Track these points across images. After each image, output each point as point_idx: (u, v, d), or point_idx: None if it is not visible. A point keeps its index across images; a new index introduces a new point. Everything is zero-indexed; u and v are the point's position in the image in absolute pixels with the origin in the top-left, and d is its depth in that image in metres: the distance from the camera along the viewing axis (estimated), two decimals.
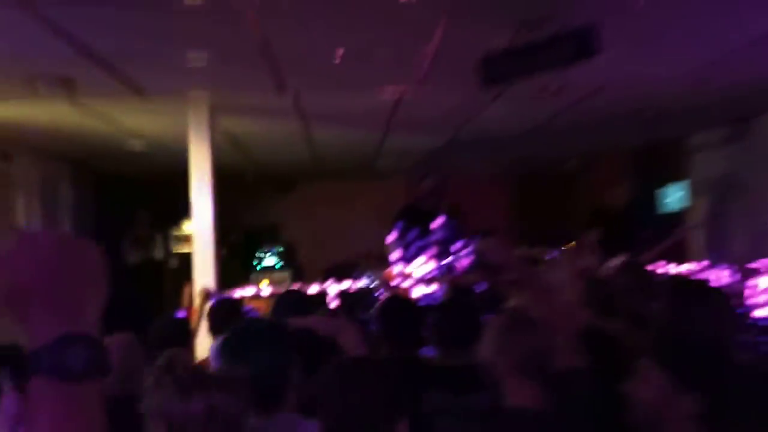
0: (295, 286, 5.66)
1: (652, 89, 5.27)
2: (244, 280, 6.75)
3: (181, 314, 4.73)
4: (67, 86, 3.95)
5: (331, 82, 4.57)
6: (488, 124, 6.46)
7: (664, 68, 4.56)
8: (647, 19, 3.42)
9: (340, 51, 3.79)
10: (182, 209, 8.35)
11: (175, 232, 8.42)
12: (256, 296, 5.49)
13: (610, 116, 6.30)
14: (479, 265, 4.40)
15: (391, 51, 3.89)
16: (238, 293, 5.28)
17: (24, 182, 6.31)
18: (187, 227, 8.26)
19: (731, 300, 3.30)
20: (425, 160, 8.17)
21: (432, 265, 6.26)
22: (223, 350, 2.29)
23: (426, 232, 6.33)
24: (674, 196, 7.66)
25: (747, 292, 4.52)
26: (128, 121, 5.54)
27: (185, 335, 3.55)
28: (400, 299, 3.87)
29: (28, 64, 3.71)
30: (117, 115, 5.33)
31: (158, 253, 8.32)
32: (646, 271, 4.25)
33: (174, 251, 8.35)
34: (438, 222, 6.29)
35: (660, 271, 5.62)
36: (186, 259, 7.96)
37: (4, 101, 4.55)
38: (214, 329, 3.69)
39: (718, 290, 2.55)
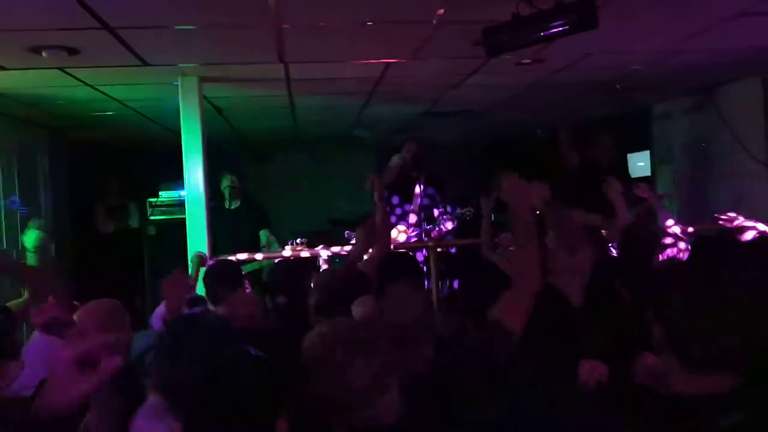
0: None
1: (629, 62, 5.53)
2: None
3: None
4: (71, 55, 3.97)
5: (326, 52, 4.68)
6: (464, 94, 6.63)
7: (646, 42, 4.81)
8: None
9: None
10: (157, 177, 8.36)
11: (152, 200, 8.42)
12: (249, 260, 5.62)
13: (582, 88, 6.56)
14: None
15: (391, 24, 4.03)
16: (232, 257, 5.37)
17: (3, 149, 6.27)
18: (164, 195, 8.27)
19: None
20: (399, 130, 8.34)
21: (414, 230, 6.48)
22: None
23: (408, 198, 6.54)
24: (638, 165, 8.02)
25: None
26: (118, 89, 5.56)
27: None
28: None
29: (35, 32, 3.72)
30: (107, 84, 5.35)
31: (134, 222, 8.30)
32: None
33: (151, 219, 8.35)
34: (419, 188, 6.50)
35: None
36: (164, 227, 8.01)
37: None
38: (212, 293, 3.84)
39: None
